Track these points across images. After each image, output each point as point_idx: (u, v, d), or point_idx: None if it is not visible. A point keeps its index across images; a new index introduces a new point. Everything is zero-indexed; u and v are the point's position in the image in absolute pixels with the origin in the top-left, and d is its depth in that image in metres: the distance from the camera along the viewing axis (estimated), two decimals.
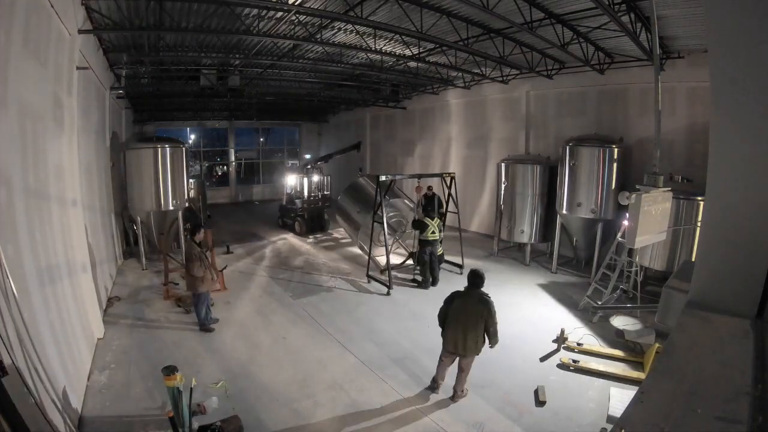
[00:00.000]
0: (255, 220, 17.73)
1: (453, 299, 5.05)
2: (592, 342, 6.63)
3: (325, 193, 15.68)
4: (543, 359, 6.20)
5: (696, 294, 1.63)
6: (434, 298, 7.51)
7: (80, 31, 6.33)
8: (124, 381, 5.36)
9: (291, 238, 14.12)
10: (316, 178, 15.34)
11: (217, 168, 24.29)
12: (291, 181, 16.02)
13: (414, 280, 9.55)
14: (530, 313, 7.80)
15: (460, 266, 10.18)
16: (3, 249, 3.14)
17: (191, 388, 4.68)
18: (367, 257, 9.82)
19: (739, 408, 0.92)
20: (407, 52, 10.47)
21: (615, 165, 9.34)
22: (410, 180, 11.30)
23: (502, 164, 11.32)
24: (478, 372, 5.81)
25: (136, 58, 10.44)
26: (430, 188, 11.03)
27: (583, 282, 9.64)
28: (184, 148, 10.90)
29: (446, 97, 15.76)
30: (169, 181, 10.10)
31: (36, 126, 4.59)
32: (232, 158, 23.63)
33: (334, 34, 9.56)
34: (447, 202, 10.58)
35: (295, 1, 7.17)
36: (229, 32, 8.58)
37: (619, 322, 6.98)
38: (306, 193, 14.91)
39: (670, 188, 6.47)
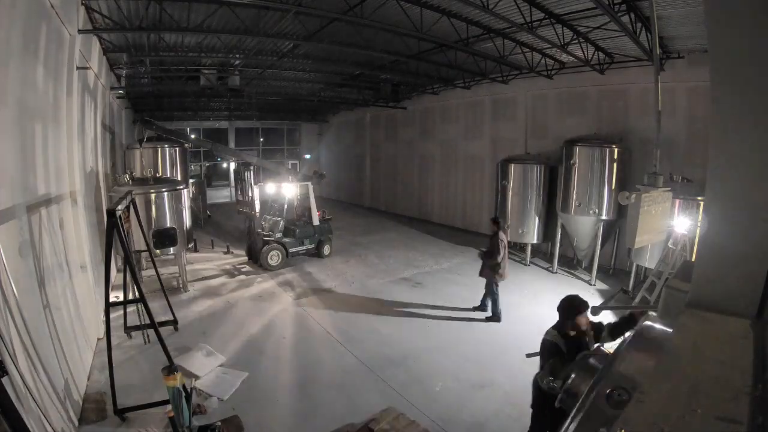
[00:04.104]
0: None
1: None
2: None
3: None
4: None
5: (696, 294, 1.63)
6: None
7: (80, 31, 6.33)
8: (125, 381, 5.35)
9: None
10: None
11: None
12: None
13: None
14: (530, 313, 7.79)
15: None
16: (3, 249, 3.14)
17: (192, 389, 4.69)
18: None
19: (739, 408, 0.92)
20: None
21: (615, 165, 9.36)
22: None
23: (502, 164, 11.34)
24: (478, 372, 5.82)
25: (137, 58, 10.45)
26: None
27: (583, 282, 9.65)
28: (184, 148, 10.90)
29: (446, 97, 15.76)
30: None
31: (36, 126, 4.59)
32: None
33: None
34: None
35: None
36: (229, 32, 8.58)
37: None
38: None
39: (669, 188, 6.47)
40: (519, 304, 8.24)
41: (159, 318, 6.65)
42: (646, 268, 8.80)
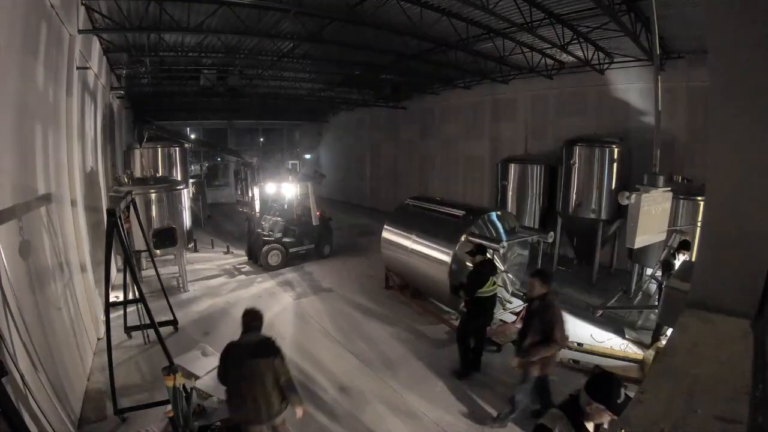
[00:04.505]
0: None
1: (228, 353, 3.61)
2: (592, 341, 6.63)
3: None
4: None
5: (696, 294, 1.63)
6: None
7: (80, 31, 6.33)
8: (125, 381, 5.36)
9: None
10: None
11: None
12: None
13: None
14: None
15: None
16: (3, 249, 3.14)
17: (192, 389, 4.69)
18: None
19: (739, 408, 0.92)
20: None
21: (615, 165, 9.34)
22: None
23: (502, 164, 11.33)
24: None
25: (137, 58, 10.44)
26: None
27: (582, 282, 9.65)
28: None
29: (446, 97, 15.76)
30: None
31: (36, 126, 4.59)
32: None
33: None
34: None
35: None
36: (229, 32, 8.58)
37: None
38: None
39: (670, 188, 6.46)
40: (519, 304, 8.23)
41: (159, 318, 6.65)
42: (645, 268, 8.80)
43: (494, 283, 5.78)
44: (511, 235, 7.13)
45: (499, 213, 7.37)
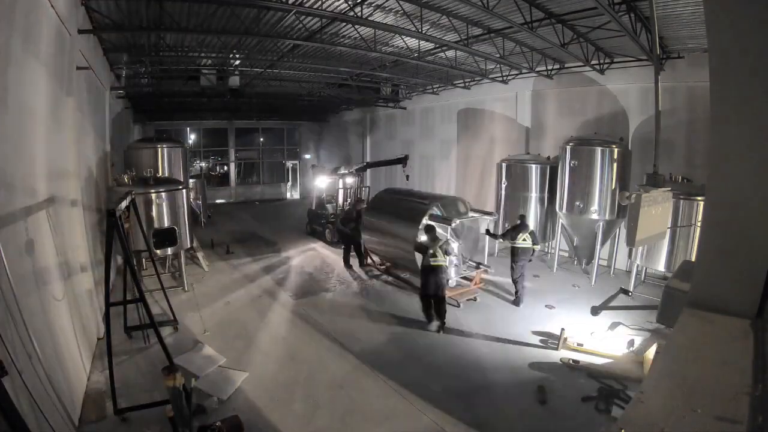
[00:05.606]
0: (260, 221, 17.71)
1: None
2: (592, 341, 6.63)
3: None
4: (542, 359, 6.20)
5: (696, 294, 1.63)
6: None
7: (80, 31, 6.33)
8: (125, 381, 5.36)
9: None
10: (350, 181, 14.21)
11: (217, 167, 24.29)
12: (322, 184, 14.35)
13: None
14: (530, 313, 7.79)
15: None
16: (3, 249, 3.14)
17: (192, 389, 4.69)
18: None
19: (739, 408, 0.92)
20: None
21: (615, 165, 9.34)
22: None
23: (502, 164, 11.34)
24: (479, 372, 5.83)
25: (136, 58, 10.45)
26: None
27: (583, 282, 9.65)
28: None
29: (446, 97, 15.76)
30: None
31: (36, 126, 4.58)
32: (232, 158, 23.70)
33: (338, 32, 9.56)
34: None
35: (295, 1, 7.18)
36: (229, 32, 8.59)
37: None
38: (341, 200, 13.76)
39: (670, 188, 6.48)
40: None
41: (159, 318, 6.65)
42: (646, 268, 8.80)
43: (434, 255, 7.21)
44: (462, 215, 8.94)
45: (453, 199, 9.41)
